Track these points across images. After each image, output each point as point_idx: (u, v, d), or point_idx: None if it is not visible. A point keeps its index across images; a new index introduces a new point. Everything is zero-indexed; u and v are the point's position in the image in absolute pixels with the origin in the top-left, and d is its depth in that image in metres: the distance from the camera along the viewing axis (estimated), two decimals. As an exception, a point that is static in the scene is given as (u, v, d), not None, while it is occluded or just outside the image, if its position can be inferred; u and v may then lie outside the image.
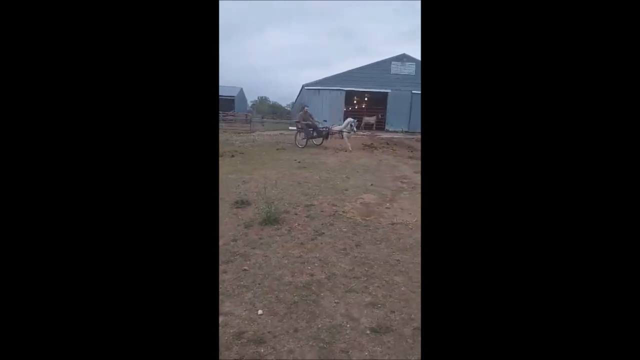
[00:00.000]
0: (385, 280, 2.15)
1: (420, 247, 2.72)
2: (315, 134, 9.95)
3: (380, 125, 19.07)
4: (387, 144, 11.06)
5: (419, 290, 2.05)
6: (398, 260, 2.46)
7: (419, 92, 19.33)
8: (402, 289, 2.06)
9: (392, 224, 3.28)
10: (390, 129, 18.20)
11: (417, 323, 1.71)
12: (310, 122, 10.01)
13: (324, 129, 10.08)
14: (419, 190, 4.80)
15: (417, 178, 5.72)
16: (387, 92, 19.26)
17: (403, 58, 19.01)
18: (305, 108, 10.46)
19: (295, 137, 10.22)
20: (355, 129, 9.56)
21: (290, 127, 17.68)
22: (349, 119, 9.69)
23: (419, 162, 6.83)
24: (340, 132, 9.56)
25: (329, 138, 9.91)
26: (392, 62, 19.02)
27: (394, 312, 1.81)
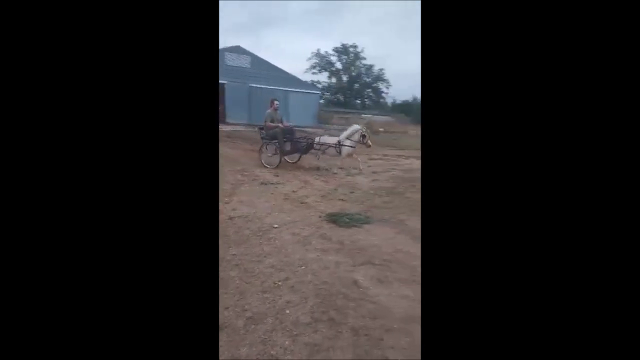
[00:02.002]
0: (221, 277, 2.10)
1: (256, 237, 2.81)
2: (289, 147, 6.23)
3: (221, 118, 18.42)
4: (229, 137, 10.81)
5: (253, 280, 2.11)
6: (234, 254, 2.44)
7: (257, 85, 19.70)
8: (237, 282, 2.07)
9: (230, 218, 3.23)
10: (231, 122, 17.86)
11: (250, 313, 1.75)
12: (285, 127, 6.31)
13: (305, 138, 6.50)
14: (259, 181, 4.94)
15: (258, 170, 5.86)
16: (224, 83, 18.67)
17: (238, 50, 18.82)
18: (275, 103, 6.33)
19: (260, 152, 6.43)
20: (369, 141, 6.04)
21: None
22: (355, 126, 6.19)
23: (258, 154, 6.97)
24: (338, 145, 6.02)
25: (309, 152, 6.30)
26: (226, 53, 18.52)
27: (228, 308, 1.79)
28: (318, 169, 6.20)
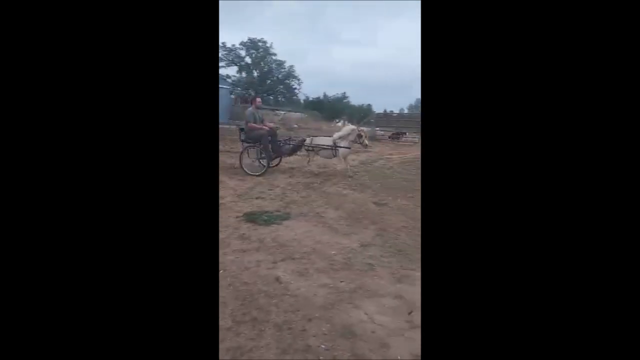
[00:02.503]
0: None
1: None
2: (275, 150, 5.52)
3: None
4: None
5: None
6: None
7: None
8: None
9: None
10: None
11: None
12: (271, 128, 5.62)
13: (291, 140, 5.88)
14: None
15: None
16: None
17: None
18: (257, 100, 5.81)
19: (241, 158, 5.46)
20: (366, 141, 5.60)
21: None
22: (350, 126, 5.68)
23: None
24: (333, 147, 5.48)
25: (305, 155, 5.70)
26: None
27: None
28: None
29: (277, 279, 2.13)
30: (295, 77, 31.19)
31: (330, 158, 5.67)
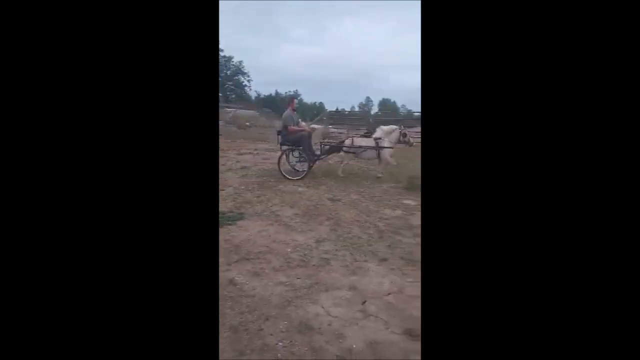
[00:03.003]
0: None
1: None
2: (309, 152, 5.29)
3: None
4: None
5: None
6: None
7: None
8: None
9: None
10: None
11: None
12: (310, 130, 5.45)
13: (328, 142, 5.84)
14: None
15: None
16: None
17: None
18: (295, 102, 5.70)
19: (280, 161, 5.27)
20: (410, 138, 5.51)
21: None
22: (391, 126, 5.62)
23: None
24: (377, 147, 5.36)
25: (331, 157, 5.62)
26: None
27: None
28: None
29: (231, 281, 2.08)
30: (244, 73, 30.40)
31: (373, 159, 5.65)
